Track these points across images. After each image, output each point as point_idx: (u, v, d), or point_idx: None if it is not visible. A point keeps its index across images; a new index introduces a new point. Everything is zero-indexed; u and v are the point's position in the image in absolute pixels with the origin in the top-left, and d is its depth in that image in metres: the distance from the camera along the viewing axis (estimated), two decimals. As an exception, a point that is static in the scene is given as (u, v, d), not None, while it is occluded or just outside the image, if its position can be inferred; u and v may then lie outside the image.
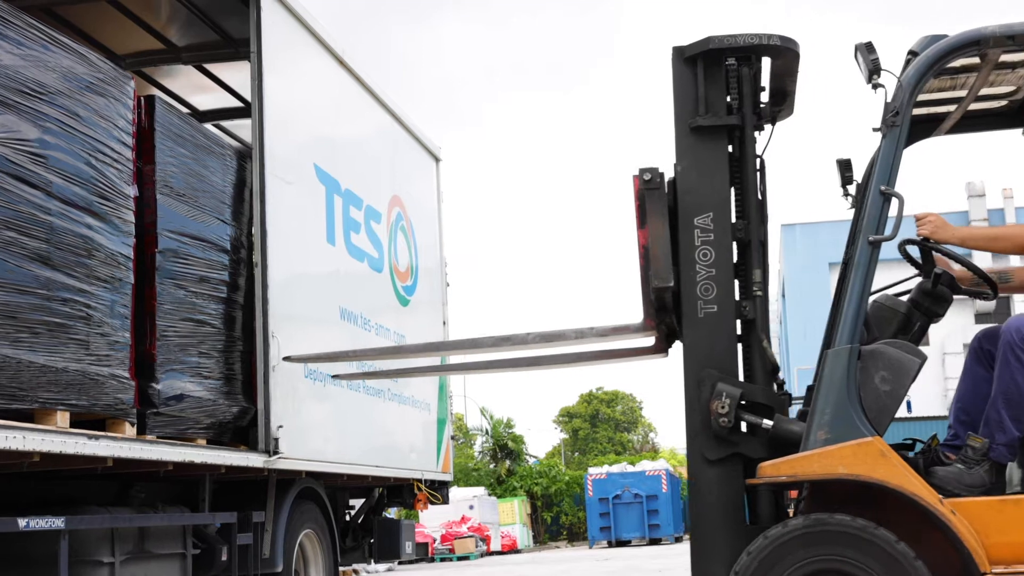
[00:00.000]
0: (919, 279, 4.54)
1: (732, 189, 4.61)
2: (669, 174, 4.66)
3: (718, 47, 4.47)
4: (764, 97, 4.75)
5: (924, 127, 4.99)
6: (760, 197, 4.66)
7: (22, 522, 4.80)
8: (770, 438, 4.24)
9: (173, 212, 6.08)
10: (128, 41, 8.15)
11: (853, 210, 4.78)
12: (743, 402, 4.28)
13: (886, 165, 4.24)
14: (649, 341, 4.83)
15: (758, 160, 4.67)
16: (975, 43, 4.23)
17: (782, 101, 4.83)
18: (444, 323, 10.57)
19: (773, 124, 4.83)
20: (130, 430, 5.47)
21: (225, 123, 9.44)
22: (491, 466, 41.73)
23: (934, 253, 4.50)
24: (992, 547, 3.93)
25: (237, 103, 9.17)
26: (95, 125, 5.35)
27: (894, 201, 4.20)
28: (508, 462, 40.84)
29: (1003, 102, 4.93)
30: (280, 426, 6.71)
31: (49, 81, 5.07)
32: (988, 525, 3.95)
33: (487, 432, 42.88)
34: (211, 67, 8.77)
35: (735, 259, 4.53)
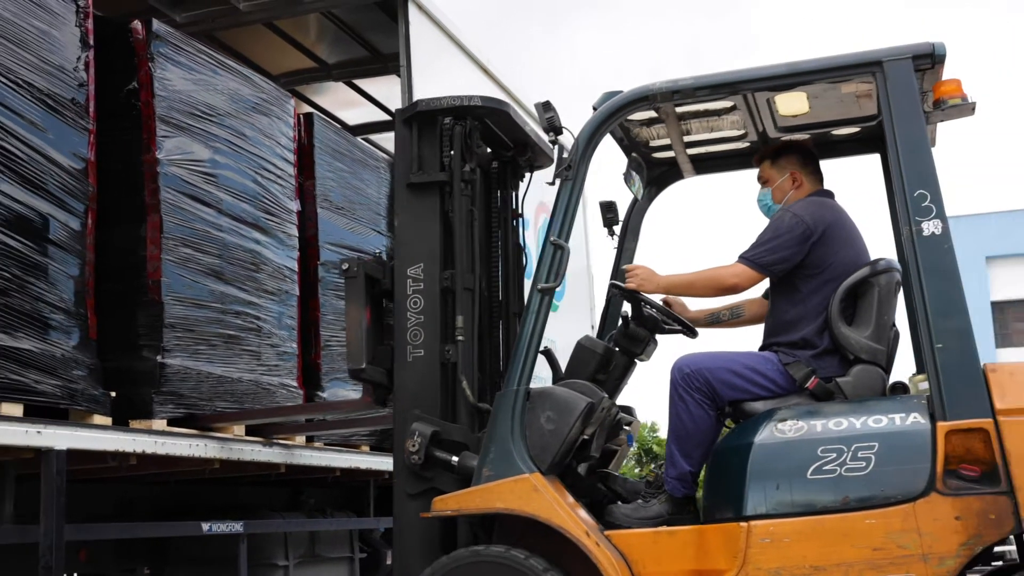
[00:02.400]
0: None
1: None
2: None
3: (425, 109, 4.65)
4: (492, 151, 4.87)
5: (674, 170, 5.16)
6: (520, 244, 4.97)
7: (205, 526, 5.02)
8: (458, 474, 4.37)
9: (333, 225, 6.27)
10: (282, 61, 8.42)
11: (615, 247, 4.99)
12: (440, 440, 4.42)
13: (559, 216, 4.34)
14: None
15: (515, 209, 4.97)
16: (643, 99, 4.37)
17: (525, 151, 4.98)
18: (592, 327, 10.60)
19: (531, 172, 5.04)
20: (299, 438, 5.66)
21: (373, 136, 9.66)
22: (636, 470, 41.63)
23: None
24: None
25: (385, 116, 9.37)
26: (260, 144, 5.57)
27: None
28: (653, 466, 40.69)
29: (743, 143, 5.00)
30: (439, 431, 6.83)
31: (218, 103, 5.30)
32: (645, 556, 4.06)
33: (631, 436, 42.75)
34: (359, 82, 8.99)
35: (442, 306, 4.64)
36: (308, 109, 8.75)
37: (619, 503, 4.35)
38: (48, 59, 4.47)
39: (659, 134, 4.93)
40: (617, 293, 4.75)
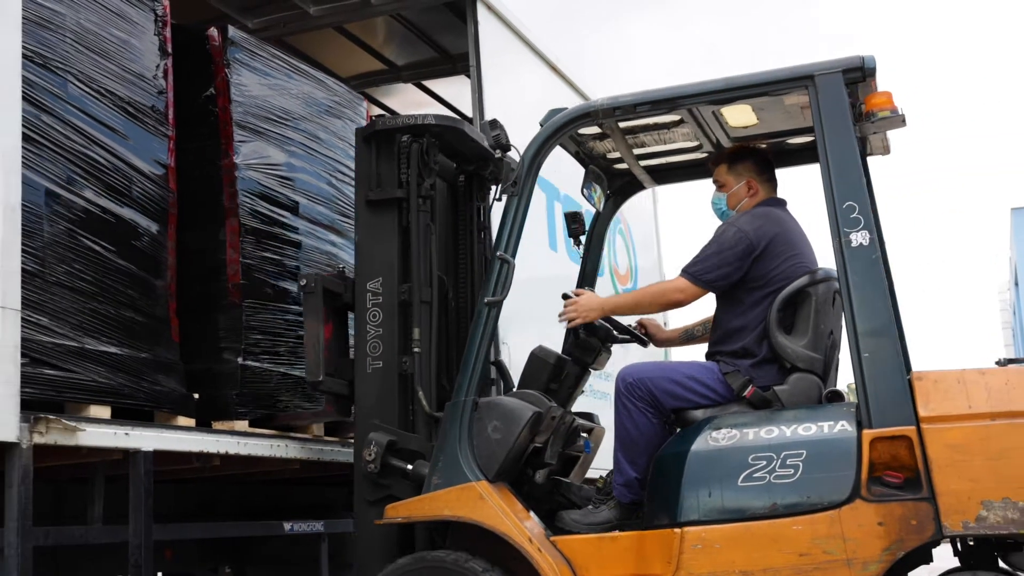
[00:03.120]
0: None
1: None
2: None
3: (382, 128, 4.75)
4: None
5: (633, 181, 5.22)
6: (487, 256, 4.98)
7: (287, 525, 5.08)
8: (412, 481, 4.44)
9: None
10: (351, 64, 8.46)
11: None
12: (397, 449, 4.49)
13: (504, 230, 4.42)
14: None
15: (482, 222, 5.08)
16: (586, 116, 4.47)
17: (487, 166, 5.05)
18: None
19: (496, 185, 5.08)
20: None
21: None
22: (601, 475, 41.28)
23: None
24: None
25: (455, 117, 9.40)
26: (334, 146, 5.63)
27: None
28: (603, 473, 40.26)
29: (700, 154, 4.98)
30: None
31: (292, 107, 5.37)
32: (589, 560, 4.14)
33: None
34: (429, 83, 9.03)
35: (400, 319, 4.70)
36: (378, 111, 8.81)
37: (569, 511, 4.43)
38: (129, 67, 4.57)
39: (612, 147, 4.99)
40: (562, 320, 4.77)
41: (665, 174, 5.20)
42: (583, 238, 5.01)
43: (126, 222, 4.46)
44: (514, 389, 4.84)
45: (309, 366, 4.76)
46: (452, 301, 4.92)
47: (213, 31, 5.09)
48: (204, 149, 5.03)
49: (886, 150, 4.57)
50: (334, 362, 4.78)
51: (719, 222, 4.53)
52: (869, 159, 4.44)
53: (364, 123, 5.95)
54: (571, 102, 8.69)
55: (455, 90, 8.78)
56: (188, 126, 4.94)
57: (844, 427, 3.94)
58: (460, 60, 7.60)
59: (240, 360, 4.89)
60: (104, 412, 4.17)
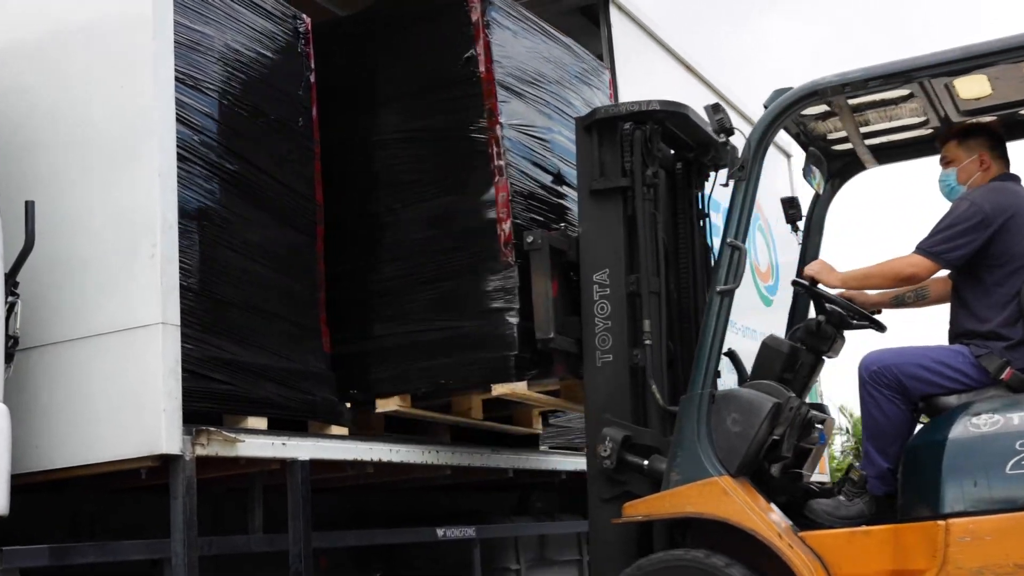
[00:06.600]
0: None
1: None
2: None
3: (604, 116, 4.70)
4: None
5: (855, 161, 5.04)
6: (707, 244, 4.94)
7: (440, 532, 5.12)
8: (649, 477, 4.31)
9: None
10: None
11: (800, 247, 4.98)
12: (632, 444, 4.41)
13: (734, 217, 4.31)
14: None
15: (701, 210, 4.98)
16: (813, 94, 4.31)
17: (708, 151, 4.95)
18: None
19: (716, 171, 4.98)
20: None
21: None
22: (855, 465, 40.44)
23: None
24: None
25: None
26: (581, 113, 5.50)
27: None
28: (855, 464, 39.42)
29: (926, 130, 4.77)
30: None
31: (546, 70, 5.36)
32: (840, 557, 3.99)
33: (847, 431, 41.56)
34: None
35: (629, 311, 4.64)
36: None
37: (818, 500, 4.27)
38: (275, 84, 4.66)
39: (835, 127, 4.83)
40: (801, 291, 4.69)
41: (888, 153, 5.02)
42: (800, 224, 4.86)
43: (276, 236, 4.56)
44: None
45: (539, 323, 4.68)
46: (673, 292, 4.83)
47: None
48: (466, 110, 4.99)
49: None
50: (561, 320, 4.72)
51: (947, 203, 4.36)
52: None
53: (608, 94, 5.91)
54: (704, 99, 8.59)
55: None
56: (446, 89, 4.98)
57: None
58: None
59: (516, 320, 4.78)
60: (261, 423, 4.26)
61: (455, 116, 4.98)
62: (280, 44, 4.75)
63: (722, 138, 4.59)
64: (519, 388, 4.75)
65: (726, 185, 4.49)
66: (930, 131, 4.79)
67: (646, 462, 4.36)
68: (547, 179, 5.19)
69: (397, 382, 4.93)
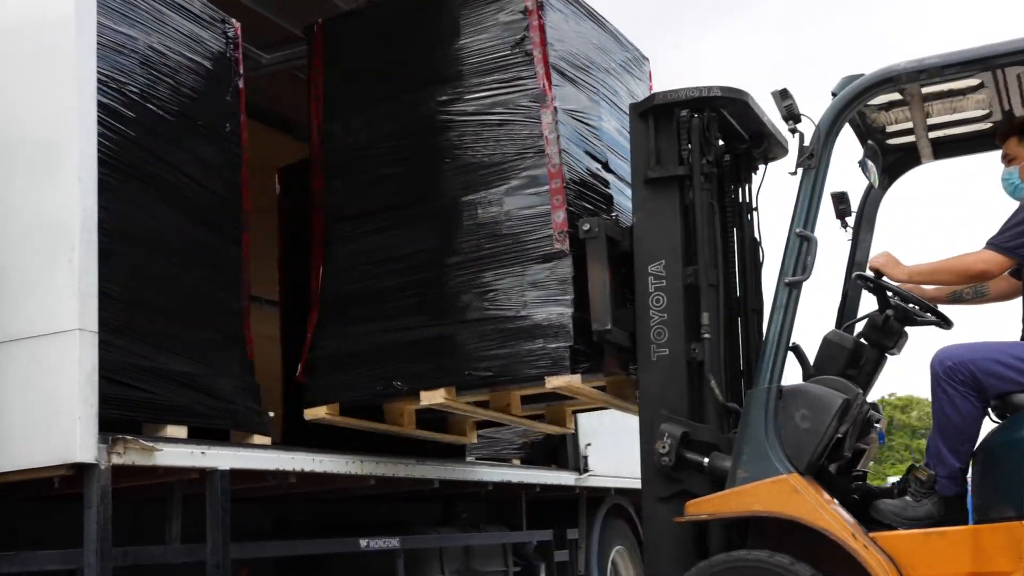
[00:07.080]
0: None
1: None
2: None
3: (663, 102, 4.56)
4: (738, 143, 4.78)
5: (910, 156, 4.99)
6: (756, 238, 4.80)
7: (363, 542, 5.08)
8: (709, 475, 4.23)
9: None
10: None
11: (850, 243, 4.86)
12: (690, 441, 4.30)
13: (803, 207, 4.23)
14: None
15: (748, 203, 4.81)
16: (887, 80, 4.23)
17: (761, 143, 4.84)
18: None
19: (766, 164, 4.88)
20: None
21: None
22: (919, 464, 40.58)
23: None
24: None
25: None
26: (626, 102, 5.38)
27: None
28: (924, 463, 39.52)
29: (986, 124, 4.74)
30: (588, 444, 6.81)
31: (595, 57, 5.23)
32: (913, 559, 3.91)
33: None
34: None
35: (686, 304, 4.52)
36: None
37: (884, 501, 4.19)
38: (201, 89, 4.60)
39: (897, 118, 4.76)
40: (869, 286, 4.56)
41: (946, 147, 4.96)
42: (850, 220, 4.75)
43: (200, 242, 4.49)
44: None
45: (596, 314, 4.52)
46: (723, 286, 4.70)
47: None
48: (519, 93, 4.82)
49: None
50: (615, 312, 4.58)
51: (1013, 201, 4.30)
52: None
53: (649, 86, 5.82)
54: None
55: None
56: (493, 72, 4.84)
57: None
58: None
59: (571, 311, 4.59)
60: (181, 432, 4.19)
61: (508, 99, 4.82)
62: (208, 48, 4.69)
63: (791, 124, 4.40)
64: (574, 382, 4.54)
65: (794, 174, 4.36)
66: (989, 125, 4.74)
67: (705, 459, 4.25)
68: (596, 167, 5.04)
69: (442, 374, 4.72)
